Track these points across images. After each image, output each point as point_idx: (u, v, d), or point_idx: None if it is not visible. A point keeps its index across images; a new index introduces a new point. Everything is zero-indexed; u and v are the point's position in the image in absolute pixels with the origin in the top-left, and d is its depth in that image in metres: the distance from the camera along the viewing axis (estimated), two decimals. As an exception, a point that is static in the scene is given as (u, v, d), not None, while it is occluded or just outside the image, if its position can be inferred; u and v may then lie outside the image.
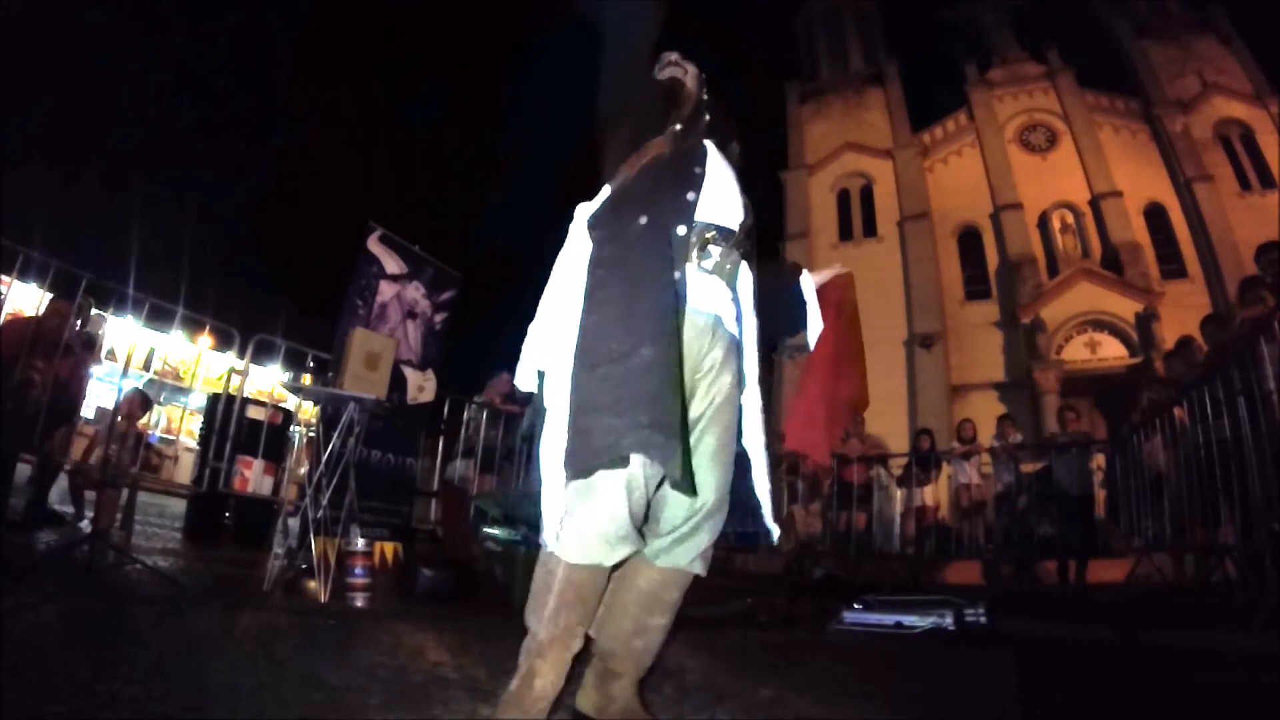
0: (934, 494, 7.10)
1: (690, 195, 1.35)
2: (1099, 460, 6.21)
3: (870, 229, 19.23)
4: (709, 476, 1.29)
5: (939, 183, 19.22)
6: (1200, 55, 18.25)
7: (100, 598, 2.41)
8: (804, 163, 20.49)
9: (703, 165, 1.40)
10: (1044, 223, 17.67)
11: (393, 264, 5.20)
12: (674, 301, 1.25)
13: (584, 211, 1.41)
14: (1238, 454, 3.51)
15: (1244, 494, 3.46)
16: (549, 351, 1.32)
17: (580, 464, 1.17)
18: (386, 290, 5.14)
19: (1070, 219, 17.47)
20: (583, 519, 1.18)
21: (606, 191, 1.43)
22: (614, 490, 1.17)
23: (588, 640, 1.27)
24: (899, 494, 7.12)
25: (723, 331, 1.36)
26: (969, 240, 18.51)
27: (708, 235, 1.36)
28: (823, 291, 1.69)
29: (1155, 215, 17.10)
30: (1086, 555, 5.65)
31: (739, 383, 1.38)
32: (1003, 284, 17.44)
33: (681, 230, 1.32)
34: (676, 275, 1.28)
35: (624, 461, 1.15)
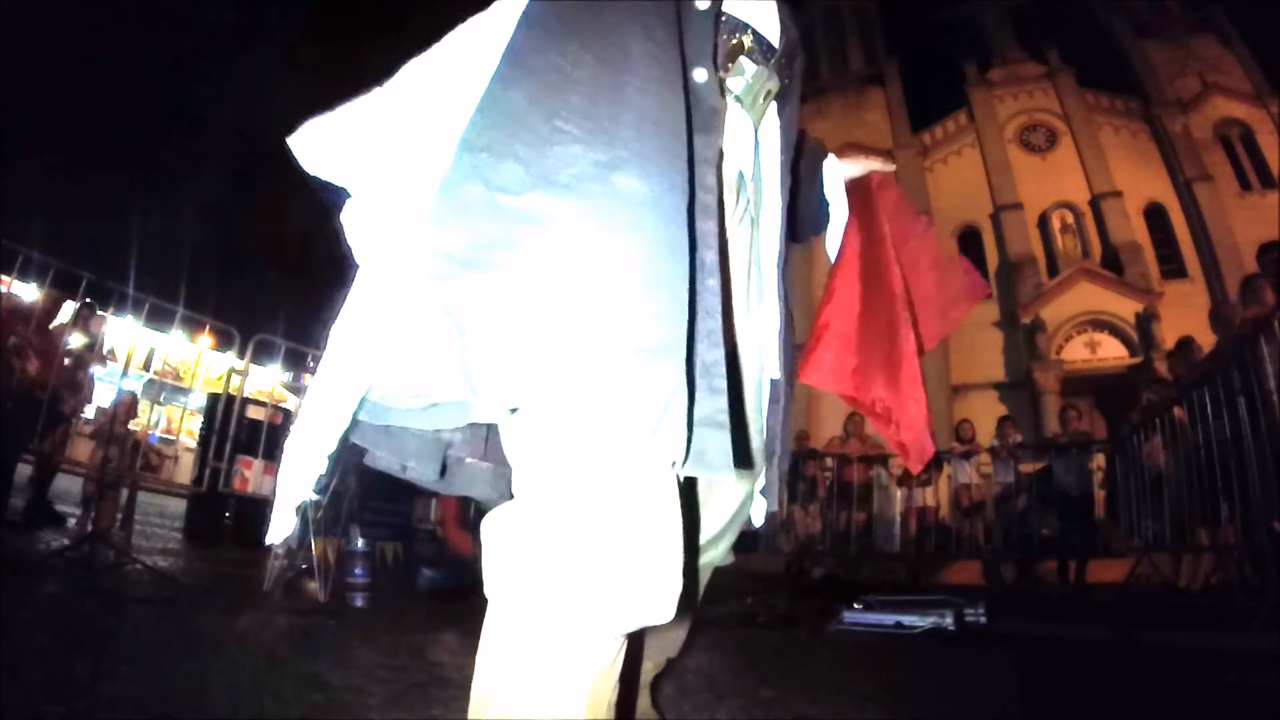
0: (934, 494, 7.10)
1: None
2: (1099, 460, 6.21)
3: (870, 229, 19.22)
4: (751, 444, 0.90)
5: (939, 183, 19.21)
6: (1200, 55, 18.25)
7: (100, 598, 2.41)
8: (804, 162, 20.48)
9: None
10: (1044, 223, 17.67)
11: (393, 264, 5.20)
12: (703, 119, 0.69)
13: None
14: (1238, 454, 3.51)
15: (1244, 494, 3.46)
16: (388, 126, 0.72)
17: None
18: (386, 290, 5.14)
19: (1070, 219, 17.48)
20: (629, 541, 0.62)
21: None
22: (672, 501, 0.64)
23: None
24: (899, 494, 7.12)
25: (744, 199, 0.90)
26: (969, 240, 18.50)
27: (743, 39, 0.85)
28: (854, 190, 1.16)
29: (1155, 215, 17.10)
30: (1086, 555, 5.65)
31: (759, 290, 0.93)
32: (1003, 284, 17.43)
33: (705, 3, 0.77)
34: (701, 76, 0.72)
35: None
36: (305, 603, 2.85)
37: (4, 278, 4.41)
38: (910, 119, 20.18)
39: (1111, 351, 15.76)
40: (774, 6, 0.92)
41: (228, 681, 1.53)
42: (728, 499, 0.94)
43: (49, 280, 4.23)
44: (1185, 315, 14.08)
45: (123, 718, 1.21)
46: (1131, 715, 1.83)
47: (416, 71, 0.75)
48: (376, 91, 0.75)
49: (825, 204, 1.14)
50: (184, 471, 7.96)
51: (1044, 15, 20.07)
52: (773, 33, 0.90)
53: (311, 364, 4.70)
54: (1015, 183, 18.14)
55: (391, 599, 3.20)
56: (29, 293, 4.35)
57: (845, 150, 1.24)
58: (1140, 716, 1.82)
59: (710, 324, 0.62)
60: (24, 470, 4.35)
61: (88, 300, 4.35)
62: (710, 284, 0.63)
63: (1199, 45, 18.37)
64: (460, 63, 0.73)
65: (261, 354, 5.81)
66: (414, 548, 4.61)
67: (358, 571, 2.99)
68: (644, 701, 1.24)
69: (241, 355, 5.55)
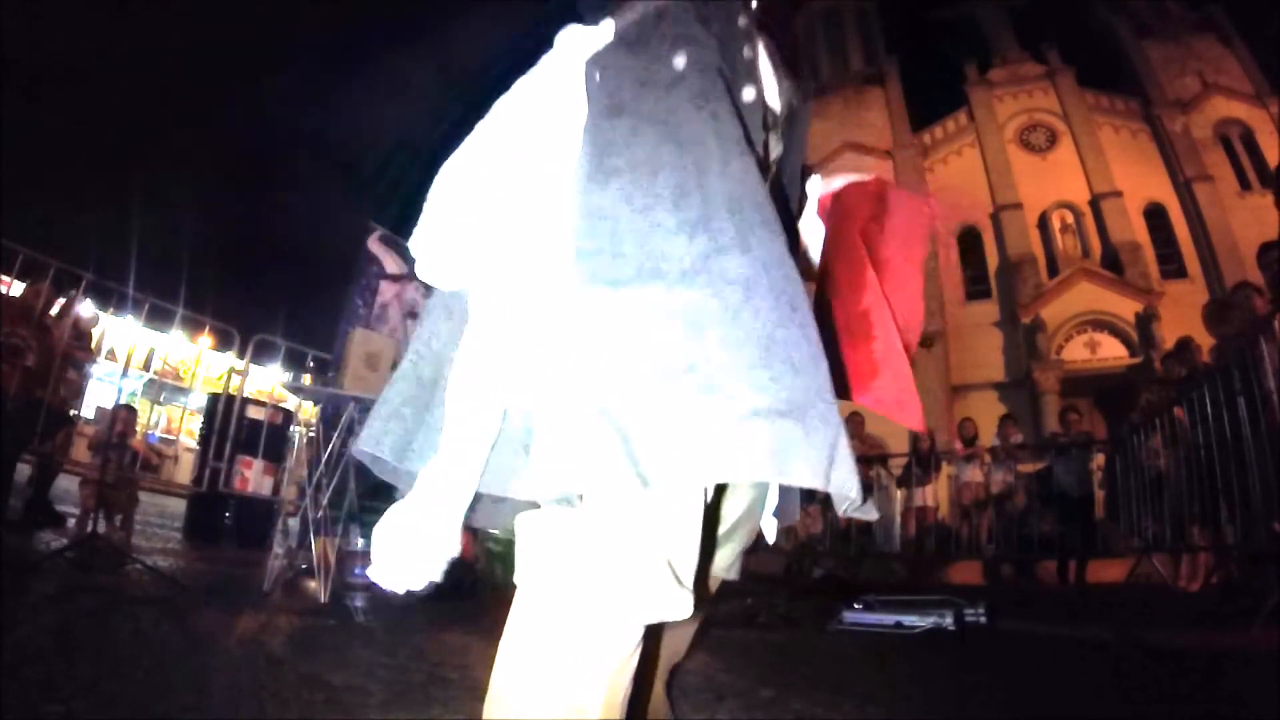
0: (934, 494, 7.10)
1: (747, 51, 0.89)
2: (1099, 460, 6.21)
3: (870, 229, 19.21)
4: None
5: (939, 183, 19.20)
6: (1200, 55, 18.25)
7: (100, 598, 2.41)
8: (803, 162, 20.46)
9: (751, 20, 0.94)
10: (1044, 223, 17.68)
11: (393, 264, 5.21)
12: (752, 165, 0.75)
13: (576, 40, 0.84)
14: (1238, 454, 3.51)
15: (1244, 494, 3.46)
16: (490, 233, 0.79)
17: (632, 472, 0.63)
18: (387, 290, 5.15)
19: (1070, 219, 17.48)
20: (658, 546, 0.67)
21: (609, 28, 0.84)
22: (695, 505, 0.71)
23: None
24: (899, 494, 7.12)
25: None
26: (969, 240, 18.50)
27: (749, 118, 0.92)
28: (839, 201, 1.20)
29: (1155, 215, 17.11)
30: (1086, 555, 5.65)
31: None
32: (1003, 284, 17.43)
33: (750, 93, 0.86)
34: (759, 153, 0.81)
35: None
36: (305, 603, 2.85)
37: (4, 278, 4.41)
38: (910, 119, 20.17)
39: (1111, 351, 15.75)
40: (773, 80, 1.00)
41: (228, 681, 1.53)
42: (737, 502, 0.98)
43: (49, 280, 4.22)
44: (1185, 315, 14.07)
45: (123, 718, 1.21)
46: (1131, 715, 1.83)
47: (492, 154, 0.80)
48: (461, 185, 0.80)
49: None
50: (184, 471, 7.96)
51: (1044, 15, 20.08)
52: (776, 102, 0.98)
53: (311, 364, 4.70)
54: (1015, 183, 18.14)
55: (391, 599, 3.20)
56: (22, 290, 4.34)
57: (839, 156, 1.28)
58: (1140, 716, 1.82)
59: (823, 387, 0.67)
60: (24, 470, 4.35)
61: (71, 292, 4.32)
62: (815, 349, 0.67)
63: (1199, 45, 18.36)
64: (531, 139, 0.79)
65: (261, 354, 5.81)
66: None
67: (358, 571, 2.99)
68: (658, 698, 1.24)
69: (241, 355, 5.55)
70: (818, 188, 1.21)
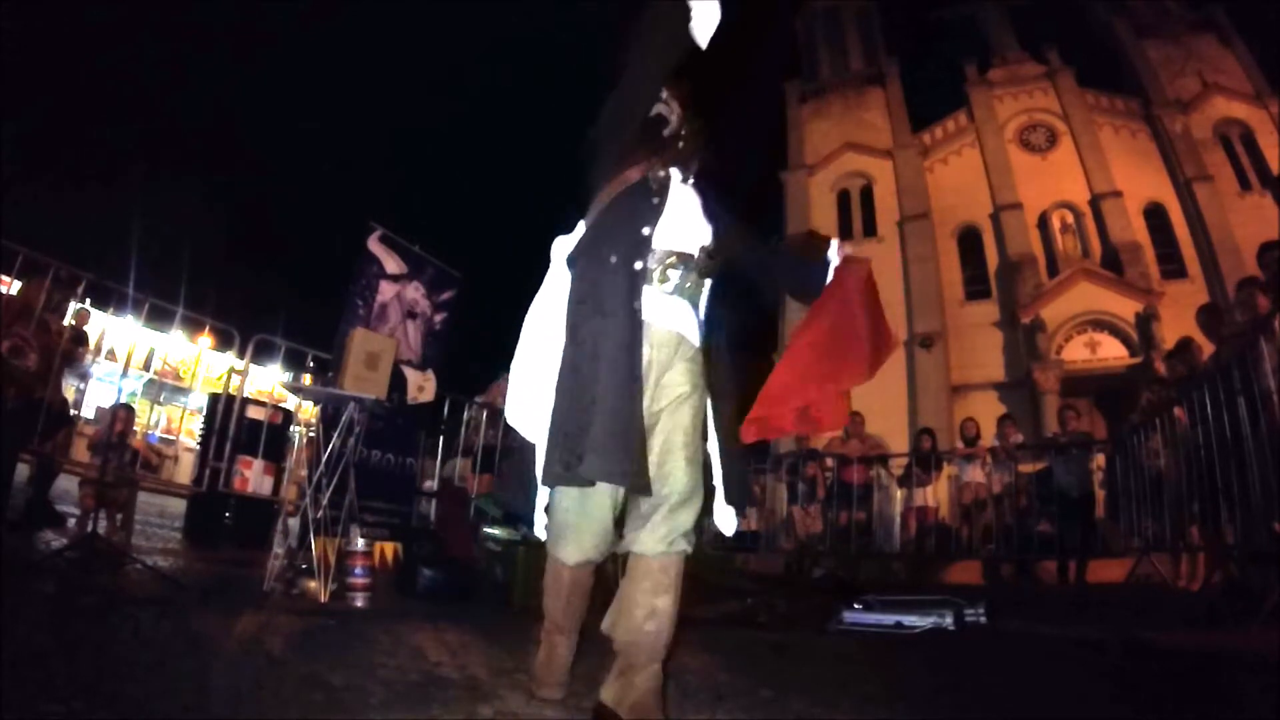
0: (934, 494, 7.10)
1: (645, 230, 1.50)
2: (1099, 460, 6.21)
3: (870, 229, 19.22)
4: (673, 469, 1.44)
5: (939, 183, 19.20)
6: (1200, 55, 18.24)
7: (100, 598, 2.41)
8: (804, 163, 20.48)
9: (663, 197, 1.54)
10: (1044, 223, 17.66)
11: (393, 264, 5.21)
12: (635, 331, 1.42)
13: (561, 247, 1.60)
14: (1238, 454, 3.51)
15: (1244, 494, 3.46)
16: (536, 385, 1.51)
17: (552, 480, 1.41)
18: (387, 290, 5.15)
19: (1070, 219, 17.47)
20: (576, 528, 1.47)
21: (581, 228, 1.60)
22: (601, 502, 1.45)
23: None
24: (899, 494, 7.12)
25: (686, 345, 1.54)
26: (969, 240, 18.50)
27: (668, 262, 1.52)
28: (837, 272, 1.74)
29: (1155, 215, 17.09)
30: (1086, 555, 5.65)
31: (702, 387, 1.56)
32: (1003, 284, 17.43)
33: (639, 265, 1.47)
34: (636, 305, 1.44)
35: (592, 482, 1.37)
36: (305, 603, 2.85)
37: (4, 278, 4.41)
38: (910, 119, 20.16)
39: (1111, 351, 15.74)
40: (700, 222, 1.58)
41: (228, 681, 1.53)
42: (659, 494, 1.44)
43: (49, 280, 4.22)
44: (1185, 315, 14.02)
45: (122, 718, 1.21)
46: (1131, 715, 1.83)
47: (532, 341, 1.58)
48: (520, 363, 1.58)
49: (823, 279, 1.73)
50: (184, 471, 7.95)
51: (1044, 15, 20.07)
52: (694, 243, 1.56)
53: (311, 364, 4.70)
54: (1015, 183, 18.12)
55: (391, 599, 3.20)
56: (19, 289, 4.32)
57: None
58: (1141, 717, 1.82)
59: (621, 422, 1.37)
60: (24, 470, 4.35)
61: (70, 292, 4.31)
62: (627, 402, 1.38)
63: (1199, 45, 18.36)
64: (550, 329, 1.54)
65: (261, 354, 5.81)
66: (414, 548, 4.61)
67: (358, 571, 2.98)
68: (648, 701, 1.33)
69: (241, 355, 5.55)
70: (834, 258, 1.72)
